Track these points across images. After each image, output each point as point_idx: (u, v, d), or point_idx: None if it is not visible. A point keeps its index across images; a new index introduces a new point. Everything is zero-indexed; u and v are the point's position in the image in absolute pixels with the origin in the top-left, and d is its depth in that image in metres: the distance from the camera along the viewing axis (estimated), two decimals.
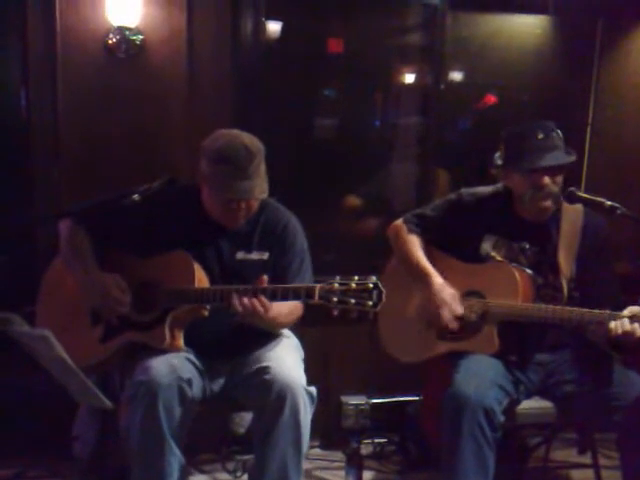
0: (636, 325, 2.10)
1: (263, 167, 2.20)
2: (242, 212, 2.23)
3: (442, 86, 3.34)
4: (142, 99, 2.93)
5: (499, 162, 2.42)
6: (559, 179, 2.33)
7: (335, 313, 1.98)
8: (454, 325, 2.38)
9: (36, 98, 2.88)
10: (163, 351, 2.18)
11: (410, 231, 2.54)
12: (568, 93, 3.46)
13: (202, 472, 2.91)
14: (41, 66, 2.85)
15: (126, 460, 2.18)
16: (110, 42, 2.85)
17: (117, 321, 2.24)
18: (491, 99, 3.58)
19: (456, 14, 3.31)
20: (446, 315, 2.37)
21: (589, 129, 3.43)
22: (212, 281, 2.25)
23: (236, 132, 2.23)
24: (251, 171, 2.14)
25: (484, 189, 2.51)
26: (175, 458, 2.13)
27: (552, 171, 2.31)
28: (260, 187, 2.18)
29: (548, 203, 2.34)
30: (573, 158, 2.35)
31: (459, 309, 2.38)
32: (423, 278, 2.46)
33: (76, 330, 2.27)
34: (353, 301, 1.95)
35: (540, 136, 2.31)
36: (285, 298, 2.10)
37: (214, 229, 2.30)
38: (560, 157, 2.32)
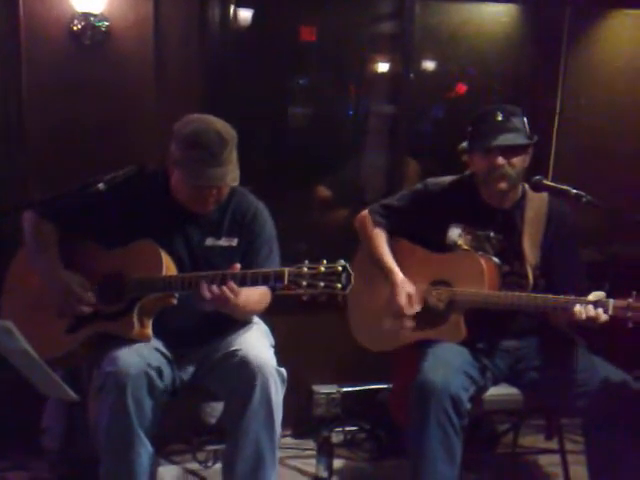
0: (600, 310, 2.12)
1: (235, 154, 2.18)
2: (212, 198, 2.21)
3: (412, 75, 3.33)
4: (108, 86, 2.88)
5: (465, 146, 2.42)
6: (515, 161, 2.32)
7: (304, 298, 1.96)
8: (409, 324, 2.43)
9: None
10: (131, 341, 2.16)
11: (375, 223, 2.55)
12: (537, 81, 3.48)
13: (172, 462, 2.90)
14: (4, 53, 2.79)
15: (95, 452, 2.16)
16: (75, 28, 2.80)
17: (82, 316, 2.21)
18: (461, 88, 3.59)
19: (425, 2, 3.29)
20: (406, 308, 2.42)
21: (557, 117, 3.45)
22: (180, 268, 2.23)
23: (208, 117, 2.20)
24: (223, 158, 2.12)
25: (450, 178, 2.52)
26: (145, 449, 2.10)
27: (507, 152, 2.31)
28: (232, 174, 2.16)
29: (503, 185, 2.34)
30: (529, 141, 2.35)
31: (416, 307, 2.42)
32: (386, 274, 2.49)
33: (42, 322, 2.24)
34: (322, 284, 1.92)
35: (499, 118, 2.32)
36: (254, 283, 2.07)
37: (182, 216, 2.27)
38: (514, 139, 2.31)
